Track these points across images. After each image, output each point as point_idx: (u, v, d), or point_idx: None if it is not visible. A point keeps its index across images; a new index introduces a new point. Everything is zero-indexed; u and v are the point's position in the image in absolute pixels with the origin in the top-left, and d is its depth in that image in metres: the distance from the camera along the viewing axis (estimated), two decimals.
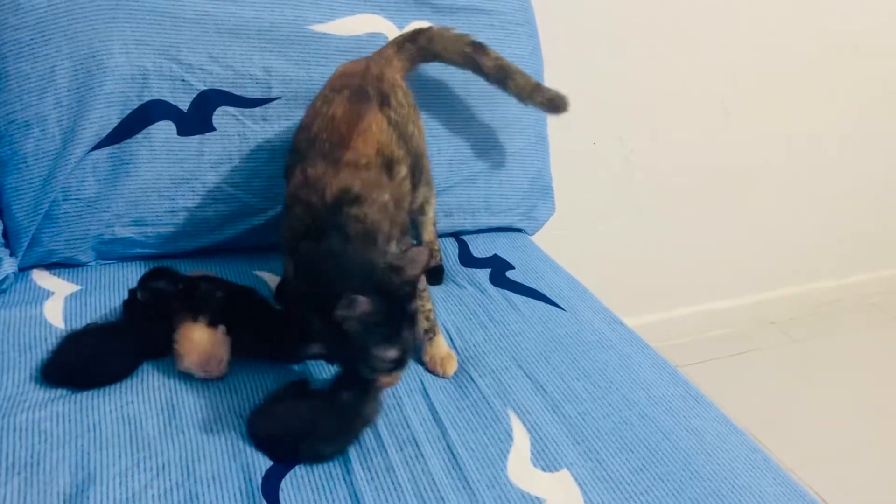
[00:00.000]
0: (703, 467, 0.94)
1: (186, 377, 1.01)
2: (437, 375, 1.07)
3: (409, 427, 0.97)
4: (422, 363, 1.08)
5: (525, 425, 0.99)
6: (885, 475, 1.75)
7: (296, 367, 1.06)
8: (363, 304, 0.86)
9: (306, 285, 0.93)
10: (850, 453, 1.80)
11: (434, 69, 1.32)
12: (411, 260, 0.92)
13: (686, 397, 1.06)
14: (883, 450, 1.83)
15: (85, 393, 0.97)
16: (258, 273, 1.21)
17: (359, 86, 1.08)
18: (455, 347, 1.11)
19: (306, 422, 0.94)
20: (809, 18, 1.90)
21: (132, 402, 0.96)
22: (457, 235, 1.40)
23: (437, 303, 1.18)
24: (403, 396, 1.02)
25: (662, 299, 2.12)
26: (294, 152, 1.06)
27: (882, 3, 1.96)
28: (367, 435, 0.95)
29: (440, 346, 1.09)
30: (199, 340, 1.00)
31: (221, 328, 1.02)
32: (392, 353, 0.91)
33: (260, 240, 1.26)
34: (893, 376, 2.09)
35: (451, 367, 1.08)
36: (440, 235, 1.39)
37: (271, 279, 1.22)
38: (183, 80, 1.21)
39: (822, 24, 1.92)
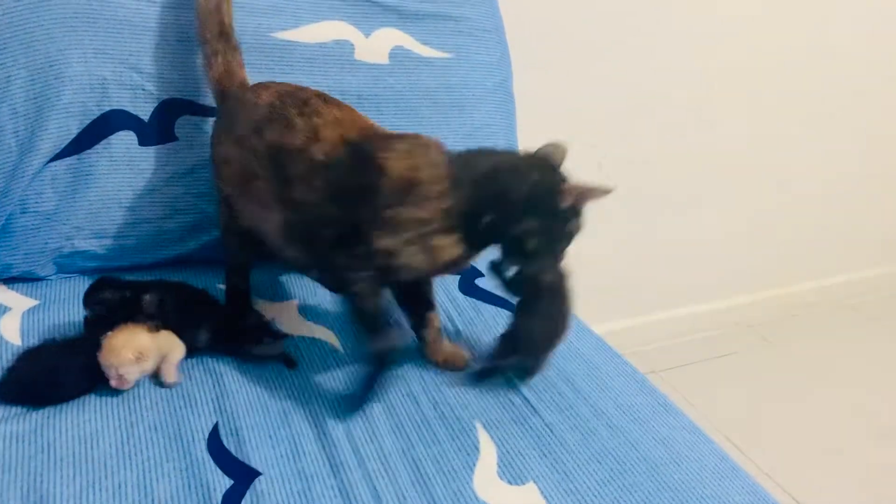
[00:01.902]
0: (672, 477, 0.93)
1: (145, 394, 0.98)
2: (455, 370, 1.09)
3: (374, 441, 0.95)
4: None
5: (492, 437, 0.97)
6: (861, 478, 1.75)
7: (257, 372, 1.04)
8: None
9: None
10: (827, 456, 1.80)
11: (400, 77, 1.31)
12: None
13: (654, 406, 1.05)
14: (860, 453, 1.83)
15: (40, 411, 0.94)
16: (222, 286, 1.19)
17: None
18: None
19: None
20: (780, 21, 1.90)
21: (89, 421, 0.94)
22: None
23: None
24: (370, 409, 1.00)
25: (640, 304, 2.11)
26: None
27: (848, 7, 1.98)
28: (332, 450, 0.93)
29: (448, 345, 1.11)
30: (112, 342, 0.98)
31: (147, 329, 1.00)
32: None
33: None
34: (871, 379, 2.10)
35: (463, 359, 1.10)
36: None
37: None
38: (143, 89, 1.19)
39: (793, 26, 1.93)
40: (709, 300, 2.22)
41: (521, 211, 0.94)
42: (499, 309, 1.21)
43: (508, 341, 1.05)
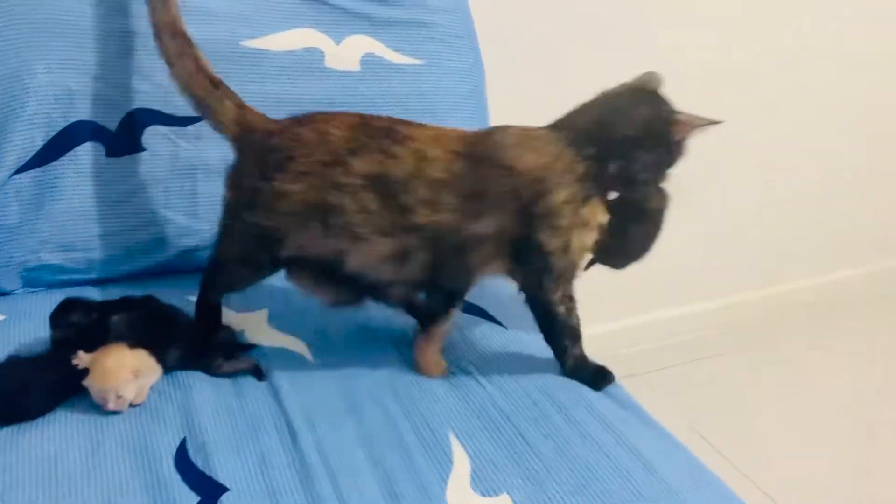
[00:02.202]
0: (644, 485, 0.92)
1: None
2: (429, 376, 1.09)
3: (345, 453, 0.94)
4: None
5: (465, 448, 0.96)
6: (840, 478, 1.76)
7: (226, 384, 1.03)
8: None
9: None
10: (809, 457, 1.80)
11: (372, 84, 1.30)
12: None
13: (627, 414, 1.04)
14: (841, 453, 1.83)
15: (3, 430, 0.92)
16: (191, 297, 1.18)
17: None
18: None
19: None
20: (759, 22, 1.91)
21: (53, 438, 0.92)
22: None
23: (380, 322, 1.16)
24: (341, 421, 0.99)
25: (619, 307, 2.11)
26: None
27: (830, 7, 1.99)
28: (301, 463, 0.92)
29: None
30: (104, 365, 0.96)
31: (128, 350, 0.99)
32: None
33: (194, 262, 1.23)
34: (853, 379, 2.10)
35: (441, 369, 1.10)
36: None
37: None
38: (110, 100, 1.17)
39: (774, 27, 1.93)
40: (690, 302, 2.22)
41: (637, 147, 1.00)
42: (471, 317, 1.21)
43: (601, 252, 1.07)
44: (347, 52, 1.29)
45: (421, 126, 1.04)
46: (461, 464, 0.94)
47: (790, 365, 2.14)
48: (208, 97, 1.09)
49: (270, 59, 1.24)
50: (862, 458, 1.83)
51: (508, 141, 1.01)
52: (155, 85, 1.19)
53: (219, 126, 1.10)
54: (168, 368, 1.03)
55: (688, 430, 1.76)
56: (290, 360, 1.10)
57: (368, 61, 1.30)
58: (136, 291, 1.12)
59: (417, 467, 0.93)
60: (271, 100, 1.17)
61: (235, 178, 1.08)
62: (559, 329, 1.07)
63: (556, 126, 1.03)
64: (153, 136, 1.20)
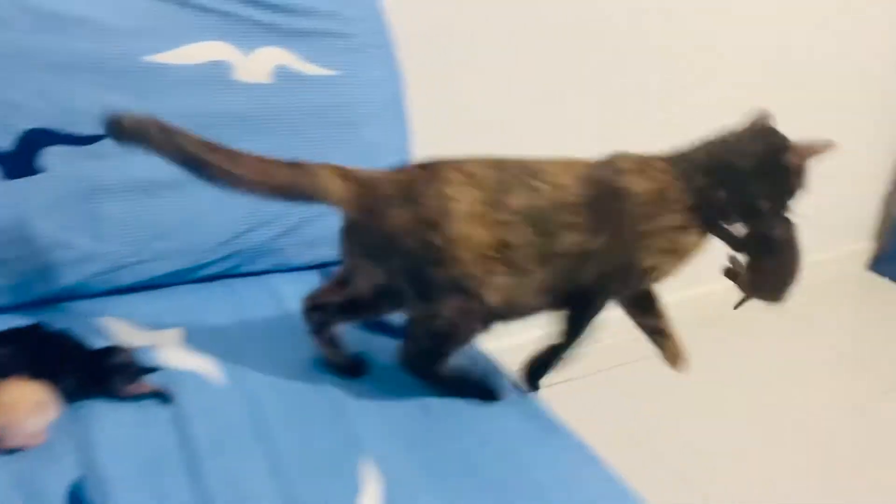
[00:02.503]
0: (560, 500, 0.92)
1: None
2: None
3: (251, 481, 0.91)
4: None
5: (380, 470, 0.94)
6: (769, 476, 1.78)
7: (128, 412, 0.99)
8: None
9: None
10: (736, 456, 1.83)
11: (285, 97, 1.27)
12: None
13: (541, 428, 1.04)
14: (767, 450, 1.86)
15: None
16: (99, 319, 1.13)
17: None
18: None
19: None
20: (729, 35, 1.93)
21: None
22: (321, 268, 1.35)
23: (300, 343, 1.12)
24: (250, 449, 0.96)
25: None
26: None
27: (794, 22, 2.03)
28: (204, 497, 0.88)
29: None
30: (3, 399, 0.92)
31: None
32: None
33: (100, 285, 1.18)
34: (786, 379, 2.13)
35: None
36: (304, 268, 1.35)
37: (116, 325, 1.14)
38: (5, 120, 1.12)
39: (742, 38, 1.95)
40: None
41: (753, 179, 1.03)
42: (384, 337, 1.18)
43: (749, 288, 1.12)
44: (257, 64, 1.26)
45: (547, 160, 1.06)
46: (372, 487, 0.92)
47: (722, 365, 2.16)
48: (297, 180, 1.01)
49: (175, 73, 1.20)
50: (799, 459, 1.85)
51: (626, 166, 1.04)
52: (53, 103, 1.14)
53: (329, 199, 1.02)
54: (65, 397, 0.98)
55: (618, 432, 1.77)
56: (200, 383, 1.06)
57: (280, 73, 1.27)
58: (41, 319, 1.07)
59: (327, 493, 0.91)
60: (177, 116, 1.12)
61: (392, 244, 1.01)
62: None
63: (672, 157, 1.06)
64: (52, 156, 1.15)
